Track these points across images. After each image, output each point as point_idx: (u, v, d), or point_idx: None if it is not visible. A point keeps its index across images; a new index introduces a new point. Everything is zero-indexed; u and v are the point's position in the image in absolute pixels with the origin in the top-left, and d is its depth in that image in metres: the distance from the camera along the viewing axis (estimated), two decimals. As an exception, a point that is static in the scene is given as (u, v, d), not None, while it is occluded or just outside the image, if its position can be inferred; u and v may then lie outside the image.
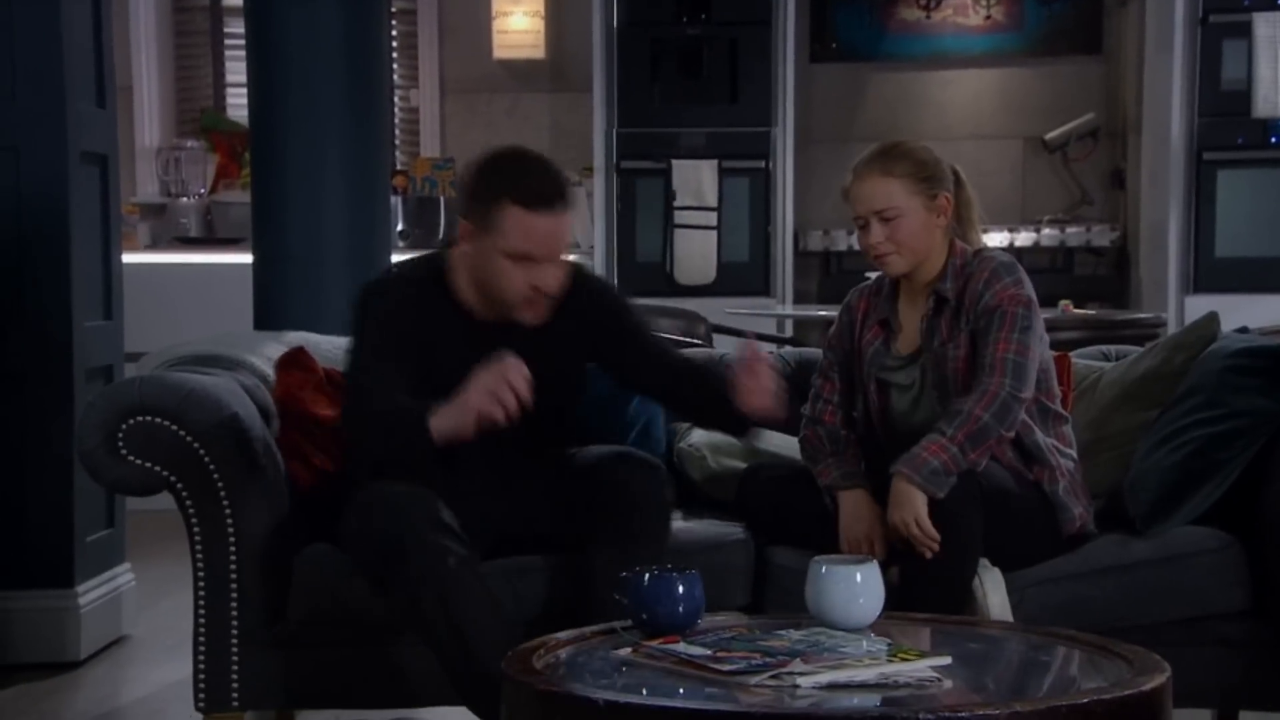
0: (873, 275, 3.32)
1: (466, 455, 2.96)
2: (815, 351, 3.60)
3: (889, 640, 2.34)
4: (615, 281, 7.02)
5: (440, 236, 7.31)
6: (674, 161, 6.97)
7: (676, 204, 6.97)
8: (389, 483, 2.95)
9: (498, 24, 7.71)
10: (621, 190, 7.04)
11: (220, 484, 3.08)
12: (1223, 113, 6.72)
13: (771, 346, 5.57)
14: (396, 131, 7.92)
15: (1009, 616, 2.94)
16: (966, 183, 3.24)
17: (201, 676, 3.11)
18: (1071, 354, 3.56)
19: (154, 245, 7.50)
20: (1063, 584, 3.10)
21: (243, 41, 5.08)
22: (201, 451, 3.08)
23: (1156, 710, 2.14)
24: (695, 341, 5.34)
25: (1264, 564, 3.12)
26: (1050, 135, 7.46)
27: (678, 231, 6.97)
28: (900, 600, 2.85)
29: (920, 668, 2.22)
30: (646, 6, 7.03)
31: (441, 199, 7.53)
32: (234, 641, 3.10)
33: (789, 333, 6.65)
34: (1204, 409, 3.25)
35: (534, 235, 2.92)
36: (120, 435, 3.05)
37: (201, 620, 3.11)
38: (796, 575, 2.63)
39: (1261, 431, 3.20)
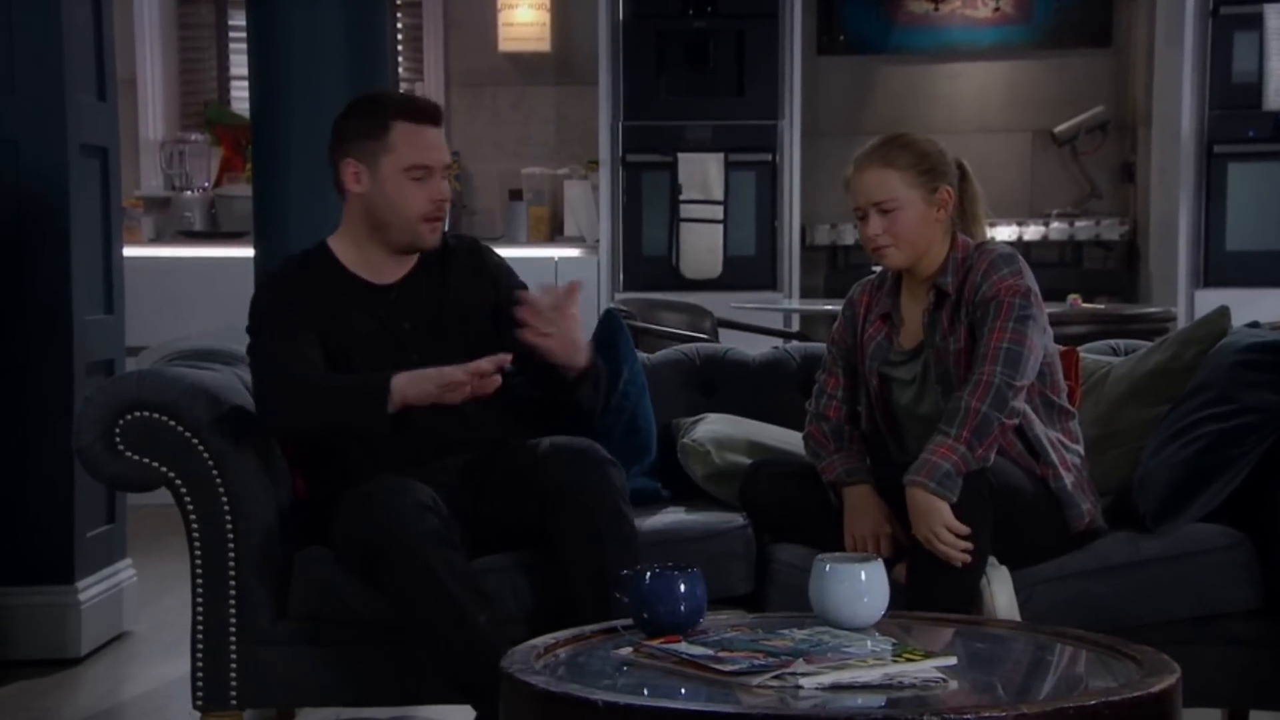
0: (878, 269, 3.29)
1: (411, 451, 3.02)
2: (821, 346, 3.57)
3: (894, 640, 2.31)
4: (621, 275, 7.01)
5: (446, 229, 7.27)
6: (680, 155, 6.94)
7: (682, 197, 6.94)
8: (370, 483, 2.95)
9: (503, 17, 7.69)
10: (627, 184, 7.01)
11: (219, 480, 3.06)
12: (1233, 105, 6.68)
13: (778, 342, 5.54)
14: (402, 125, 7.89)
15: (1016, 615, 2.91)
16: (972, 176, 3.21)
17: (200, 674, 3.09)
18: (1080, 348, 3.54)
19: (158, 239, 7.49)
20: (1071, 581, 3.07)
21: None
22: (200, 447, 3.05)
23: (1166, 712, 2.11)
24: (701, 336, 5.32)
25: (1275, 562, 3.09)
26: (1059, 128, 7.43)
27: (684, 225, 6.94)
28: (906, 599, 2.83)
29: (925, 668, 2.19)
30: (652, -1, 7.01)
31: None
32: (233, 639, 3.08)
33: (795, 327, 6.63)
34: (1214, 404, 3.21)
35: (426, 145, 3.14)
36: (118, 430, 3.03)
37: (200, 617, 3.09)
38: (800, 572, 2.61)
39: (1273, 427, 3.17)
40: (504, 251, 3.47)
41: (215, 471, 3.06)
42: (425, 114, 3.16)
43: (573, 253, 7.20)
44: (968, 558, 2.88)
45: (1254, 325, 3.49)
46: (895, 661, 2.20)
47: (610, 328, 3.59)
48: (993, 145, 7.48)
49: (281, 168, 4.76)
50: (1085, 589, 3.06)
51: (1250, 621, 3.10)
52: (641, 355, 3.67)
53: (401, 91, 3.35)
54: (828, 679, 2.12)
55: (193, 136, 7.76)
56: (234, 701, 3.09)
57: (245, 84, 7.16)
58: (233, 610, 3.07)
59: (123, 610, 4.46)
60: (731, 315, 6.06)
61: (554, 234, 7.46)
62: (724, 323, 5.90)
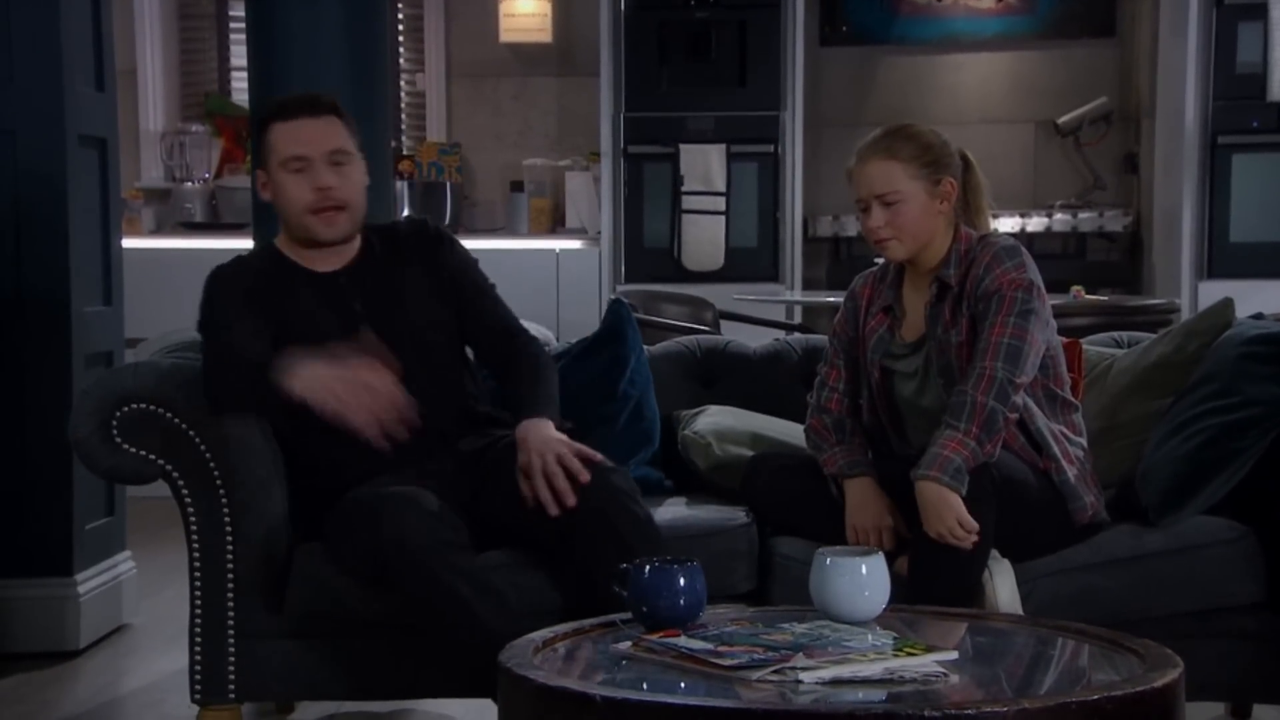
0: (880, 261, 3.27)
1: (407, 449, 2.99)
2: (823, 338, 3.55)
3: (895, 634, 2.30)
4: (622, 267, 6.99)
5: (447, 221, 7.27)
6: (682, 146, 6.92)
7: (684, 189, 6.92)
8: (372, 489, 2.94)
9: (504, 7, 7.67)
10: (629, 175, 7.00)
11: (216, 473, 3.05)
12: (1237, 96, 6.66)
13: (779, 334, 5.52)
14: (403, 116, 7.88)
15: (1018, 608, 2.89)
16: (976, 167, 3.19)
17: (198, 668, 3.08)
18: (1083, 340, 3.52)
19: (158, 230, 7.48)
20: (1074, 575, 3.05)
21: (246, 25, 5.04)
22: (197, 439, 3.04)
23: (1169, 706, 2.09)
24: (703, 328, 5.30)
25: (1278, 555, 3.07)
26: (1063, 119, 7.41)
27: (686, 217, 6.93)
28: (907, 592, 2.81)
29: (926, 663, 2.17)
30: (654, -11, 6.99)
31: (449, 184, 7.49)
32: (230, 632, 3.06)
33: (797, 319, 6.61)
34: (1218, 397, 3.20)
35: (297, 137, 3.15)
36: (114, 423, 3.02)
37: (198, 611, 3.08)
38: (802, 566, 2.59)
39: (1277, 420, 3.15)
40: (505, 243, 3.47)
41: (212, 464, 3.04)
42: (299, 107, 3.18)
43: (574, 244, 7.18)
44: (976, 538, 2.87)
45: (1258, 317, 3.47)
46: (896, 656, 2.18)
47: (618, 316, 3.57)
48: (996, 136, 7.46)
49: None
50: (1088, 582, 3.05)
51: (1254, 615, 3.09)
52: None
53: (300, 92, 3.33)
54: (828, 673, 2.11)
55: (193, 128, 7.74)
56: (232, 695, 3.08)
57: (246, 75, 7.16)
58: (230, 604, 3.06)
59: (122, 603, 4.44)
60: (733, 307, 6.05)
61: (555, 225, 7.44)
62: (725, 314, 5.89)
